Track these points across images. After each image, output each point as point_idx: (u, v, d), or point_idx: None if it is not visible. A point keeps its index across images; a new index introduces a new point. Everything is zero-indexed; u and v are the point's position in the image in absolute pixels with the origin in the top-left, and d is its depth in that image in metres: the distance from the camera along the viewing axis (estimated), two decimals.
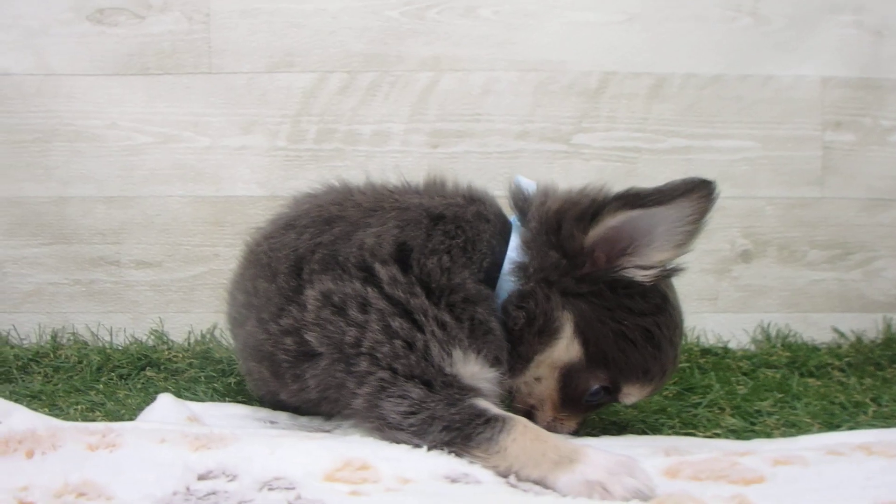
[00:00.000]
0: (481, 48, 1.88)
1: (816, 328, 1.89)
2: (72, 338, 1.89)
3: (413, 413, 0.91)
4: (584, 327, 1.02)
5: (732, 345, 1.83)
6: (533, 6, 1.87)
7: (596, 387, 1.05)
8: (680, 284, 1.94)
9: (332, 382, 1.01)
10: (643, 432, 1.11)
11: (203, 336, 1.89)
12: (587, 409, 1.10)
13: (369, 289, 0.99)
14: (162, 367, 1.71)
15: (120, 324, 1.92)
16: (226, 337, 1.88)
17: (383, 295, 0.99)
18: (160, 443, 0.90)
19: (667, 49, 1.90)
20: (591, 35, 1.89)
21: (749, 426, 1.22)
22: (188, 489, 0.79)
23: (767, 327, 1.89)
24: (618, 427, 1.17)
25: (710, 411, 1.32)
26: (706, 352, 1.75)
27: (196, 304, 1.93)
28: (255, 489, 0.80)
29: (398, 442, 0.92)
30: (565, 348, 1.03)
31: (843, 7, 1.89)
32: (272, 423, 1.24)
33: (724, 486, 0.76)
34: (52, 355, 1.77)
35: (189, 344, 1.86)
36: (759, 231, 1.93)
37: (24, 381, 1.65)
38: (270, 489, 0.80)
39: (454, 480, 0.84)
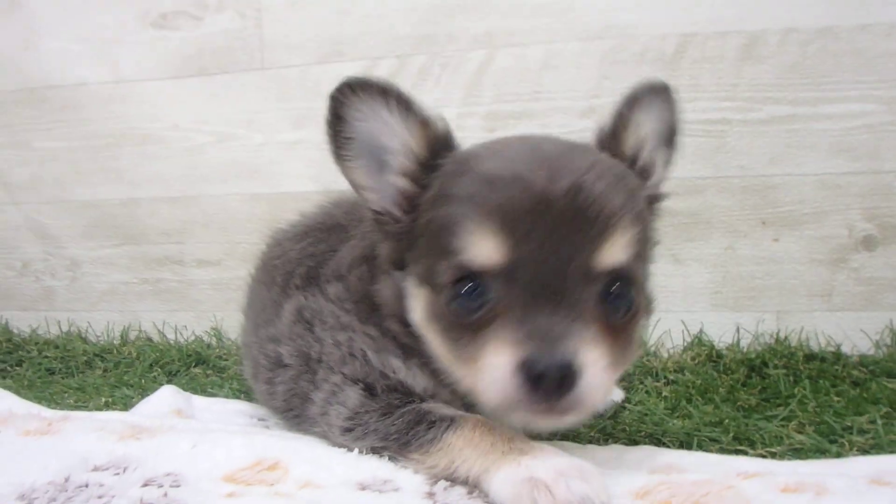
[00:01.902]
0: (538, 19, 1.70)
1: None
2: (140, 335, 1.93)
3: (351, 420, 0.83)
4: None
5: (847, 349, 1.50)
6: None
7: (448, 280, 0.74)
8: (784, 277, 1.67)
9: (296, 392, 0.96)
10: (663, 444, 0.89)
11: None
12: (478, 323, 0.73)
13: (327, 304, 0.97)
14: (210, 365, 1.69)
15: (184, 321, 1.94)
16: None
17: (331, 311, 0.95)
18: (94, 431, 0.84)
19: (758, 2, 1.62)
20: None
21: (823, 445, 0.95)
22: (67, 479, 0.72)
23: None
24: (630, 439, 0.95)
25: (783, 426, 1.06)
26: (811, 357, 1.44)
27: None
28: (137, 484, 0.71)
29: (340, 447, 0.81)
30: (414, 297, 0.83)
31: None
32: (261, 420, 1.17)
33: None
34: (115, 352, 1.81)
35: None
36: (886, 213, 1.58)
37: (83, 375, 1.69)
38: (149, 485, 0.70)
39: (365, 487, 0.70)
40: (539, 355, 0.65)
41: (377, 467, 0.73)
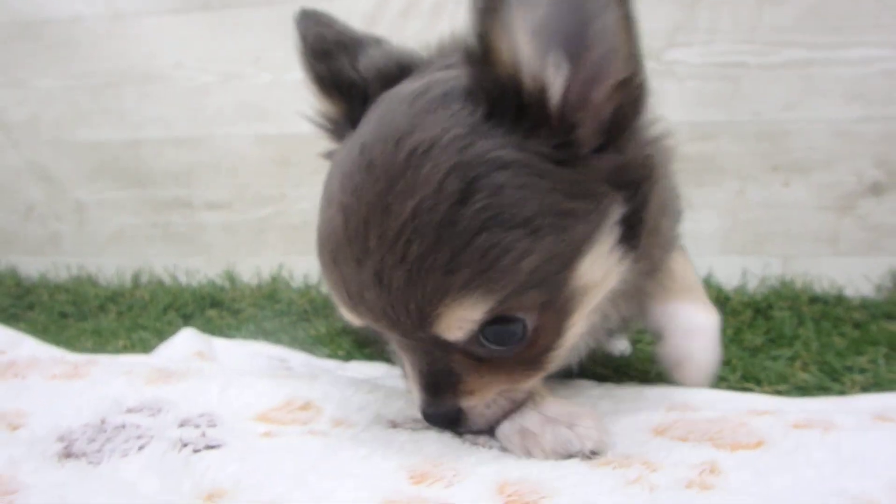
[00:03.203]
0: None
1: None
2: (151, 279, 1.94)
3: None
4: None
5: (849, 292, 1.52)
6: None
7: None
8: (791, 223, 1.68)
9: None
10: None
11: (272, 278, 1.86)
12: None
13: None
14: (225, 308, 1.71)
15: (195, 265, 1.94)
16: (294, 277, 1.85)
17: None
18: (122, 375, 0.85)
19: None
20: None
21: (825, 383, 0.98)
22: (103, 421, 0.73)
23: None
24: (642, 379, 0.97)
25: (788, 365, 1.08)
26: (814, 300, 1.46)
27: (265, 247, 1.91)
28: (174, 425, 0.72)
29: None
30: None
31: None
32: (282, 361, 1.19)
33: (702, 450, 0.57)
34: (128, 295, 1.83)
35: (257, 285, 1.84)
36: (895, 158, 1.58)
37: (97, 319, 1.71)
38: (185, 426, 0.71)
39: (396, 426, 0.72)
40: (428, 411, 0.67)
41: (405, 407, 0.75)
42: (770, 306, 1.44)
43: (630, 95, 0.61)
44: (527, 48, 0.57)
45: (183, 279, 1.93)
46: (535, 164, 0.58)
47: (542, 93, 0.58)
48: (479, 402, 0.65)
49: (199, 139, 1.89)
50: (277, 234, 1.90)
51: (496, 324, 0.59)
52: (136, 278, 1.94)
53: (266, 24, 1.82)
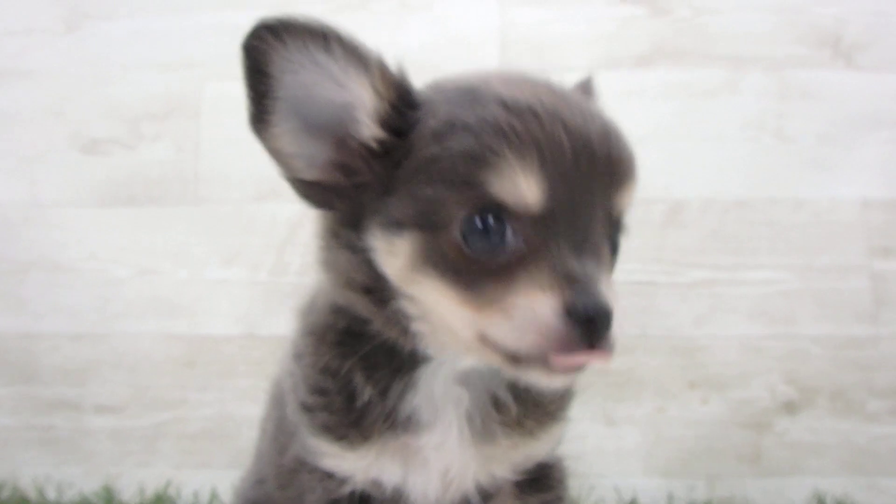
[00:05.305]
0: None
1: (887, 496, 1.52)
2: (14, 494, 1.68)
3: None
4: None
5: None
6: None
7: (465, 213, 0.66)
8: (713, 441, 1.66)
9: None
10: None
11: (155, 496, 1.65)
12: (502, 265, 0.66)
13: None
14: None
15: (71, 477, 1.71)
16: (182, 497, 1.65)
17: None
18: None
19: (682, 172, 1.74)
20: None
21: None
22: None
23: (824, 495, 1.53)
24: None
25: None
26: None
27: (155, 457, 1.72)
28: None
29: None
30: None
31: (880, 123, 1.72)
32: None
33: None
34: None
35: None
36: (805, 376, 1.63)
37: None
38: None
39: None
40: (586, 299, 0.62)
41: None
42: None
43: None
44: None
45: (52, 495, 1.68)
46: None
47: None
48: (618, 300, 0.67)
49: (100, 335, 1.77)
50: (172, 443, 1.73)
51: (619, 225, 0.74)
52: None
53: (188, 222, 1.80)
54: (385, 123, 0.71)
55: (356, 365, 0.77)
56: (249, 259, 1.78)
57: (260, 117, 0.71)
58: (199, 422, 1.72)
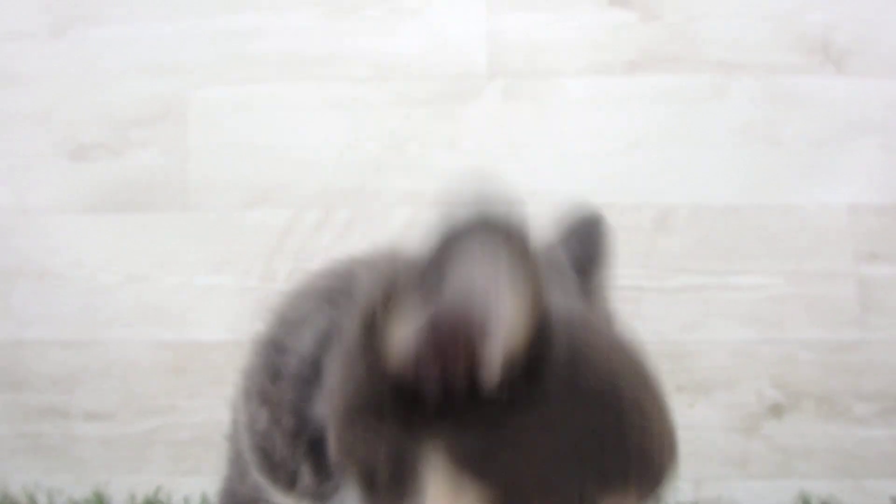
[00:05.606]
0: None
1: (872, 498, 1.54)
2: (4, 500, 1.68)
3: None
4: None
5: None
6: (520, 137, 1.77)
7: None
8: (700, 444, 1.67)
9: None
10: None
11: (147, 501, 1.65)
12: None
13: None
14: None
15: (61, 484, 1.71)
16: (173, 503, 1.65)
17: None
18: None
19: (671, 177, 1.75)
20: (585, 164, 1.76)
21: None
22: None
23: (810, 497, 1.55)
24: None
25: None
26: None
27: (146, 463, 1.72)
28: None
29: None
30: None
31: (869, 129, 1.73)
32: None
33: None
34: None
35: None
36: (792, 381, 1.65)
37: None
38: None
39: None
40: None
41: None
42: None
43: None
44: None
45: (43, 501, 1.68)
46: None
47: None
48: None
49: (88, 342, 1.76)
50: (162, 449, 1.73)
51: None
52: None
53: (176, 228, 1.80)
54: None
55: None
56: (238, 266, 1.78)
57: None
58: (189, 428, 1.72)
